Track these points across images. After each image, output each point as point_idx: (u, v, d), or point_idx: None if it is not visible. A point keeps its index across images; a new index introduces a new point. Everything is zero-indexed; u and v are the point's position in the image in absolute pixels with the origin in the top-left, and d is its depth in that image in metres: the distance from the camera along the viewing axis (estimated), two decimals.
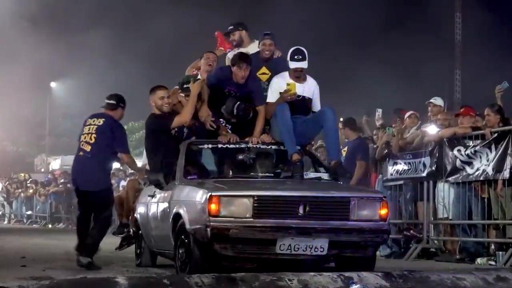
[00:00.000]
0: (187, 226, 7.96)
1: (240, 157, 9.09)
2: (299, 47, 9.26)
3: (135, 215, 10.29)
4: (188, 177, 8.80)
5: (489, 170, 10.62)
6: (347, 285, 6.86)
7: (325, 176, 9.17)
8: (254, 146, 9.13)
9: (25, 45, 46.10)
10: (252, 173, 9.12)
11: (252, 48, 10.21)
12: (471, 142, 11.01)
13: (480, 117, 11.36)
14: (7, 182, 34.82)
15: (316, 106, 9.50)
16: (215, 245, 7.65)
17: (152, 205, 9.48)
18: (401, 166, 12.16)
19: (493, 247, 10.72)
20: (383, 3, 42.33)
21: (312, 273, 7.08)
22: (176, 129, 9.25)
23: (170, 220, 8.45)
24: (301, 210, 7.79)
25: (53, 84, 55.79)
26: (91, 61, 51.06)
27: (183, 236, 8.12)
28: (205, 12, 42.13)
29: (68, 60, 51.43)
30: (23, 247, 14.12)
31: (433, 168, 11.46)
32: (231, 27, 10.54)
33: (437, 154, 11.52)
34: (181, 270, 8.11)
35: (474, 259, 10.62)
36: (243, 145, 9.17)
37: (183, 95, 9.58)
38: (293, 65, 9.22)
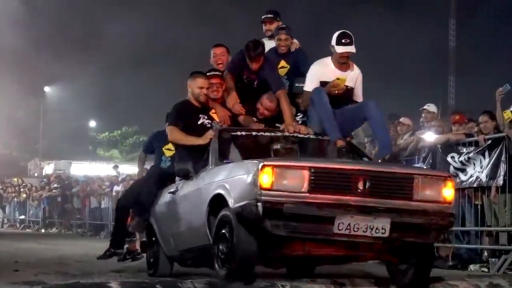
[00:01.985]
0: (232, 205, 7.03)
1: (276, 146, 8.22)
2: (346, 31, 8.46)
3: (149, 220, 9.37)
4: (224, 161, 7.98)
5: (483, 176, 10.63)
6: None
7: None
8: (290, 135, 8.38)
9: (19, 49, 46.06)
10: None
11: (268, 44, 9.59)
12: (465, 148, 11.03)
13: (473, 122, 11.38)
14: (0, 187, 34.80)
15: (358, 95, 8.74)
16: (266, 222, 6.72)
17: (175, 200, 8.67)
18: None
19: (486, 254, 10.72)
20: (376, 7, 42.50)
21: (305, 279, 7.09)
22: (206, 119, 8.71)
23: (206, 206, 7.56)
24: (361, 186, 6.92)
25: (47, 89, 55.94)
26: (85, 66, 51.14)
27: (224, 228, 7.20)
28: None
29: (63, 65, 51.56)
30: (16, 251, 14.09)
31: None
32: (269, 15, 9.83)
33: (430, 161, 11.54)
34: (221, 266, 7.22)
35: (467, 266, 10.61)
36: (278, 134, 8.41)
37: None
38: (340, 49, 8.33)
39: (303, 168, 6.87)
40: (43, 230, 28.53)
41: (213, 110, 8.86)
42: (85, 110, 55.93)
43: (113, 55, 51.47)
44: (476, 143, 10.84)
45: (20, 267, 10.08)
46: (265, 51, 9.11)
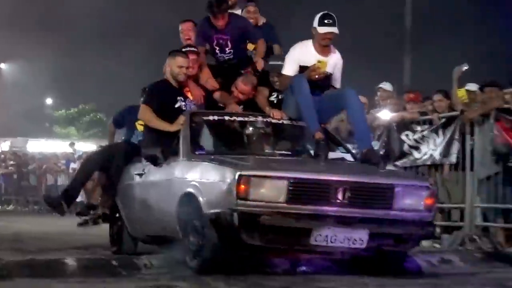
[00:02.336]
0: (204, 209, 6.89)
1: (249, 131, 8.01)
2: (328, 12, 8.12)
3: (113, 197, 9.19)
4: (196, 152, 7.78)
5: (436, 154, 10.74)
6: None
7: (348, 157, 8.33)
8: (265, 120, 8.18)
9: None
10: (266, 150, 8.04)
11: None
12: (419, 127, 11.11)
13: (429, 101, 11.45)
14: None
15: (336, 80, 8.49)
16: (242, 233, 6.59)
17: (142, 184, 8.46)
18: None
19: (438, 230, 10.84)
20: None
21: None
22: (182, 101, 8.37)
23: (177, 201, 7.38)
24: (340, 197, 6.77)
25: (2, 66, 55.42)
26: (43, 44, 50.67)
27: (195, 221, 7.08)
28: None
29: (20, 42, 51.07)
30: None
31: (382, 153, 11.50)
32: None
33: (385, 139, 11.61)
34: (192, 257, 7.08)
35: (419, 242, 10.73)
36: (251, 118, 8.16)
37: None
38: (323, 29, 8.02)
39: (281, 178, 6.75)
40: None
41: (187, 89, 8.57)
42: (41, 88, 55.53)
43: (71, 32, 51.08)
44: (430, 122, 10.91)
45: None
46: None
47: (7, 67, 56.46)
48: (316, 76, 8.12)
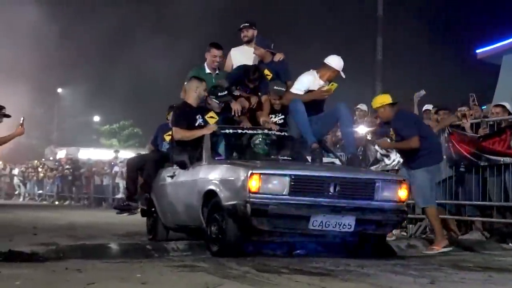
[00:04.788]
0: (223, 202, 6.89)
1: (256, 141, 8.06)
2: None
3: (150, 195, 9.15)
4: (216, 158, 7.81)
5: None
6: None
7: (337, 161, 8.30)
8: (272, 132, 8.18)
9: (37, 58, 45.63)
10: (272, 156, 8.07)
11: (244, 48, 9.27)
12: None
13: None
14: (23, 168, 34.59)
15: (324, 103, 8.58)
16: (253, 220, 6.59)
17: (173, 184, 8.39)
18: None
19: (405, 221, 10.77)
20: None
21: None
22: (201, 119, 8.26)
23: (201, 197, 7.37)
24: (332, 190, 6.81)
25: (60, 90, 55.78)
26: (91, 71, 50.98)
27: (216, 214, 7.06)
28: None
29: (73, 70, 51.41)
30: (35, 219, 13.95)
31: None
32: (246, 24, 9.28)
33: (362, 149, 11.54)
34: (213, 243, 7.08)
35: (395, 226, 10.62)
36: (259, 131, 8.16)
37: (213, 97, 8.38)
38: (343, 75, 8.28)
39: (284, 175, 6.75)
40: (56, 202, 28.27)
41: (209, 114, 8.33)
42: (90, 107, 55.69)
43: (112, 62, 51.16)
44: None
45: (38, 232, 10.02)
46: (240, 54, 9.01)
47: (63, 91, 56.68)
48: (325, 95, 8.29)
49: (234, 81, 8.62)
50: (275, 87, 8.63)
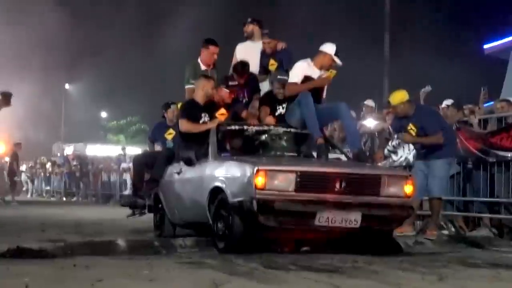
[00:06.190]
0: (230, 199, 6.84)
1: (264, 137, 8.08)
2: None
3: (157, 191, 9.14)
4: (222, 154, 7.78)
5: (410, 157, 10.64)
6: None
7: (343, 157, 8.31)
8: (277, 128, 8.18)
9: (45, 56, 45.77)
10: (277, 152, 8.05)
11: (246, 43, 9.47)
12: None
13: None
14: (31, 164, 34.66)
15: (324, 91, 8.64)
16: (259, 216, 6.54)
17: (180, 181, 8.37)
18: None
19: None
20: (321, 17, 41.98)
21: None
22: (207, 117, 8.33)
23: (207, 194, 7.32)
24: (338, 186, 6.74)
25: (67, 86, 55.92)
26: (99, 68, 51.03)
27: (222, 210, 7.03)
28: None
29: (80, 66, 51.53)
30: (42, 215, 14.00)
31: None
32: (249, 20, 9.49)
33: (370, 145, 11.55)
34: (219, 240, 7.05)
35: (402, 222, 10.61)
36: (265, 128, 8.19)
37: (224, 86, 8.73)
38: (338, 60, 8.26)
39: (290, 171, 6.69)
40: (64, 199, 28.35)
41: (221, 111, 8.53)
42: (97, 104, 55.93)
43: (119, 59, 51.23)
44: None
45: (46, 228, 10.04)
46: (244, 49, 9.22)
47: (71, 88, 56.81)
48: (326, 83, 8.37)
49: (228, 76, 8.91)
50: (278, 77, 8.64)
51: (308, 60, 8.40)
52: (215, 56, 9.05)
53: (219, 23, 36.92)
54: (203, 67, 9.05)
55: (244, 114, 8.64)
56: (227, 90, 8.58)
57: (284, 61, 8.98)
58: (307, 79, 8.30)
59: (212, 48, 9.04)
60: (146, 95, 51.75)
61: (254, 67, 9.28)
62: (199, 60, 9.13)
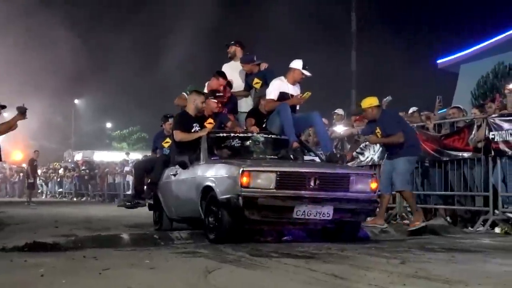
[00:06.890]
0: (219, 196, 6.87)
1: (247, 143, 8.07)
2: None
3: (156, 191, 9.09)
4: (212, 158, 7.75)
5: (375, 157, 10.70)
6: None
7: (316, 159, 8.30)
8: (259, 135, 8.16)
9: (56, 73, 45.57)
10: (260, 155, 8.00)
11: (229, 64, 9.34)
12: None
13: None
14: (44, 169, 34.50)
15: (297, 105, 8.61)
16: (245, 211, 6.58)
17: (176, 182, 8.35)
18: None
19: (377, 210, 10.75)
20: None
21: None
22: (197, 127, 8.30)
23: (199, 192, 7.34)
24: (312, 183, 6.78)
25: (76, 101, 55.79)
26: (103, 85, 50.92)
27: (212, 206, 7.05)
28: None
29: (87, 83, 51.42)
30: (55, 214, 13.90)
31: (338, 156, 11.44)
32: (231, 43, 9.44)
33: (340, 147, 11.58)
34: (210, 232, 7.06)
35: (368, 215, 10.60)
36: (249, 134, 8.21)
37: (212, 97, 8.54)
38: (306, 73, 8.28)
39: (271, 172, 6.73)
40: (75, 199, 28.21)
41: (209, 120, 8.43)
42: (103, 115, 55.77)
43: (122, 76, 51.09)
44: None
45: (59, 225, 9.96)
46: (230, 69, 9.14)
47: (79, 102, 56.65)
48: (301, 102, 8.38)
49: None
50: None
51: (282, 77, 8.44)
52: (221, 88, 8.85)
53: (219, 37, 36.85)
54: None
55: (229, 124, 8.66)
56: (215, 101, 8.53)
57: (268, 79, 8.85)
58: (282, 94, 8.33)
59: (222, 80, 8.92)
60: (146, 108, 51.75)
61: (237, 84, 9.29)
62: (205, 85, 9.09)
